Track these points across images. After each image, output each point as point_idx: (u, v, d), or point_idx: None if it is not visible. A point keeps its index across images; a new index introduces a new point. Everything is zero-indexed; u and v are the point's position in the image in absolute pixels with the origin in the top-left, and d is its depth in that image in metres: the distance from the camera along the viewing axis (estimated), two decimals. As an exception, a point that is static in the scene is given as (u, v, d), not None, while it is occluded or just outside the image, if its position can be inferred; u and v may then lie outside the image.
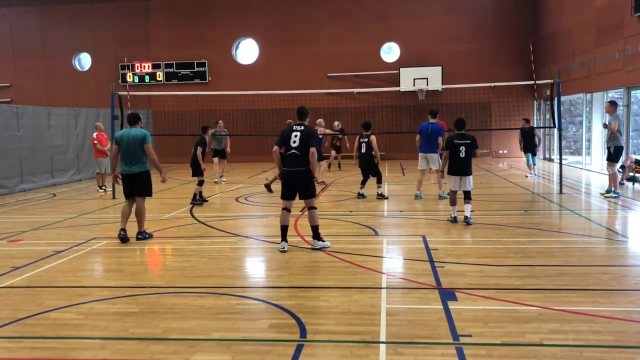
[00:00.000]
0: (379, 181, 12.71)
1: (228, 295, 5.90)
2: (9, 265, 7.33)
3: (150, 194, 8.87)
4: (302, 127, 7.88)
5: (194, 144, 12.58)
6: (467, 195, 9.54)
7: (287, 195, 7.93)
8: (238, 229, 9.72)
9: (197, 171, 12.41)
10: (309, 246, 8.01)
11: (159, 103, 24.39)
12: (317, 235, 7.90)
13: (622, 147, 12.36)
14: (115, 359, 4.38)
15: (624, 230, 9.28)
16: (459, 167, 9.48)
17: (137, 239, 8.68)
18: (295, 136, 7.79)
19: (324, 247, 7.82)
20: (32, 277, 6.78)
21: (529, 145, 16.98)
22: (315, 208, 7.95)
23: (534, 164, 17.03)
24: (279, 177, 8.05)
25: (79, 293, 6.11)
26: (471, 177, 9.57)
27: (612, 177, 12.29)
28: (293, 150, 7.77)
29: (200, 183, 12.41)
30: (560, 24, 21.24)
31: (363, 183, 12.99)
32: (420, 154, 12.56)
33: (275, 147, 7.95)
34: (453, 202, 9.61)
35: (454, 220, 9.45)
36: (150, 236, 8.89)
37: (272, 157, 8.10)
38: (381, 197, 12.58)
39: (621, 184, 13.42)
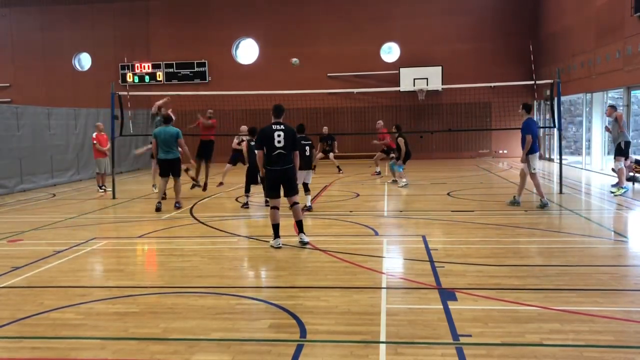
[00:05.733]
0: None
1: (228, 295, 5.89)
2: (9, 265, 7.32)
3: None
4: (284, 127, 7.97)
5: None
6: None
7: (275, 193, 8.05)
8: (238, 229, 9.71)
9: None
10: (309, 246, 8.01)
11: (159, 103, 24.32)
12: (302, 229, 8.11)
13: (630, 142, 12.75)
14: (115, 359, 4.38)
15: (624, 230, 9.28)
16: None
17: None
18: (279, 136, 7.86)
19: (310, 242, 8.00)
20: (32, 277, 6.78)
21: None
22: (298, 203, 8.16)
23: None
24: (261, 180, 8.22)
25: (79, 293, 6.11)
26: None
27: (620, 172, 12.47)
28: (279, 150, 7.87)
29: None
30: (560, 24, 21.23)
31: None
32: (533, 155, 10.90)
33: (260, 152, 8.06)
34: None
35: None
36: None
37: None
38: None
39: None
